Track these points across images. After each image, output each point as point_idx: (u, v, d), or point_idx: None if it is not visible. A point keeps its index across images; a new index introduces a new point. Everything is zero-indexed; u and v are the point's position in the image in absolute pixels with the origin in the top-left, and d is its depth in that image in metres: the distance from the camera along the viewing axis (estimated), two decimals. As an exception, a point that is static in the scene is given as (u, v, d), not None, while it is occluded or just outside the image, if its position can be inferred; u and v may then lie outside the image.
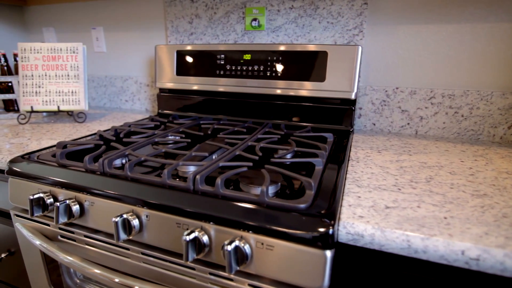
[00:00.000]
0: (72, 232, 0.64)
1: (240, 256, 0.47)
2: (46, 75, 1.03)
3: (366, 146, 0.83)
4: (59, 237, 0.66)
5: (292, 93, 0.94)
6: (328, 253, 0.44)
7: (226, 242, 0.46)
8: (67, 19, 1.37)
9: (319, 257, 0.44)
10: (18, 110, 1.20)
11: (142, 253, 0.57)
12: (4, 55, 1.12)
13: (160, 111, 1.16)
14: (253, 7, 1.01)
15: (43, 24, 1.43)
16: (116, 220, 0.52)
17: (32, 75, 1.03)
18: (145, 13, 1.21)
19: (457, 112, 0.90)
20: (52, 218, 0.67)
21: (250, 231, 0.48)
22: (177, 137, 0.84)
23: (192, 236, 0.48)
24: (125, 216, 0.53)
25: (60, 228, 0.65)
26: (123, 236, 0.53)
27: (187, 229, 0.51)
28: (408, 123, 0.95)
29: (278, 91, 0.96)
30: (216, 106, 1.06)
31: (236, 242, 0.46)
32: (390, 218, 0.47)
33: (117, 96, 1.36)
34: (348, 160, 0.72)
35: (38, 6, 1.41)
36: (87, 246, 0.63)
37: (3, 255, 0.87)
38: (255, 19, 1.02)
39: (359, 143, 0.86)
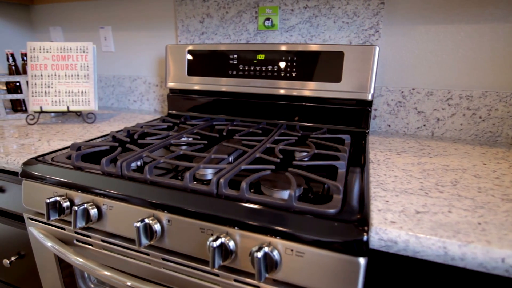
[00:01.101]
0: (89, 237, 0.62)
1: (269, 263, 0.45)
2: (55, 75, 1.01)
3: (384, 148, 0.81)
4: (75, 241, 0.64)
5: (307, 94, 0.93)
6: (362, 260, 0.42)
7: (255, 249, 0.45)
8: (74, 18, 1.35)
9: (353, 265, 0.42)
10: (25, 110, 1.18)
11: (163, 259, 0.55)
12: (12, 55, 1.10)
13: (170, 111, 1.15)
14: (267, 7, 1.00)
15: (50, 23, 1.41)
16: (138, 225, 0.51)
17: (41, 75, 1.01)
18: (154, 12, 1.19)
19: (475, 114, 0.88)
20: (67, 221, 0.65)
21: (278, 237, 0.46)
22: (189, 139, 0.82)
23: (218, 242, 0.46)
24: (146, 220, 0.52)
25: (76, 232, 0.64)
26: (144, 241, 0.52)
27: (212, 234, 0.50)
28: (424, 125, 0.94)
29: (293, 92, 0.94)
30: (228, 107, 1.05)
31: (266, 249, 0.45)
32: (423, 223, 0.46)
33: (125, 96, 1.34)
34: (369, 162, 0.70)
35: (45, 4, 1.39)
36: (103, 251, 0.62)
37: (13, 258, 0.85)
38: (268, 19, 1.01)
39: (376, 145, 0.84)
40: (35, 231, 0.67)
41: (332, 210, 0.47)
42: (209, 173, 0.63)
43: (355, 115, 0.91)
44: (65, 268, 0.71)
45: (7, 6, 1.36)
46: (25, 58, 1.15)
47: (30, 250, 0.83)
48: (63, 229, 0.65)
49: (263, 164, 0.61)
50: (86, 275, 0.73)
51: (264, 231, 0.47)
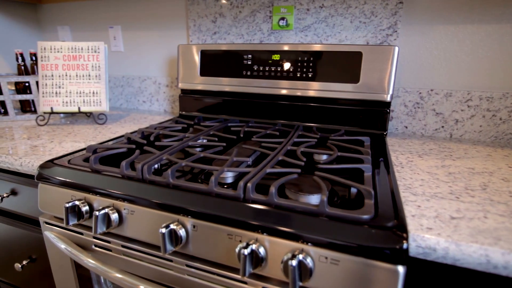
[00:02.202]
0: (108, 242, 0.61)
1: (303, 271, 0.43)
2: (66, 75, 1.00)
3: (404, 150, 0.80)
4: (93, 246, 0.63)
5: (323, 94, 0.91)
6: (401, 269, 0.41)
7: (288, 256, 0.43)
8: (83, 18, 1.34)
9: (392, 273, 0.41)
10: (35, 111, 1.17)
11: (187, 265, 0.54)
12: (21, 54, 1.09)
13: (181, 112, 1.13)
14: (281, 6, 0.98)
15: (58, 22, 1.40)
16: (163, 231, 0.49)
17: (52, 75, 0.99)
18: (165, 11, 1.17)
19: (495, 115, 0.87)
20: (85, 226, 0.64)
21: (310, 244, 0.45)
22: (204, 140, 0.80)
23: (249, 249, 0.45)
24: (172, 226, 0.50)
25: (94, 237, 0.62)
26: (169, 247, 0.50)
27: (240, 240, 0.48)
28: (443, 126, 0.93)
29: (309, 93, 0.93)
30: (242, 108, 1.03)
31: (300, 257, 0.43)
32: (460, 230, 0.44)
33: (135, 96, 1.33)
34: (392, 165, 0.69)
35: (53, 4, 1.37)
36: (123, 257, 0.60)
37: (24, 262, 0.83)
38: (283, 18, 0.99)
39: (395, 147, 0.83)
40: (52, 236, 0.65)
41: (366, 216, 0.45)
42: (229, 176, 0.61)
43: (373, 116, 0.89)
44: (81, 273, 0.70)
45: (15, 5, 1.34)
46: (33, 58, 1.13)
47: (42, 253, 0.81)
48: (81, 233, 0.63)
49: (287, 167, 0.59)
50: (102, 280, 0.71)
51: (295, 238, 0.45)
